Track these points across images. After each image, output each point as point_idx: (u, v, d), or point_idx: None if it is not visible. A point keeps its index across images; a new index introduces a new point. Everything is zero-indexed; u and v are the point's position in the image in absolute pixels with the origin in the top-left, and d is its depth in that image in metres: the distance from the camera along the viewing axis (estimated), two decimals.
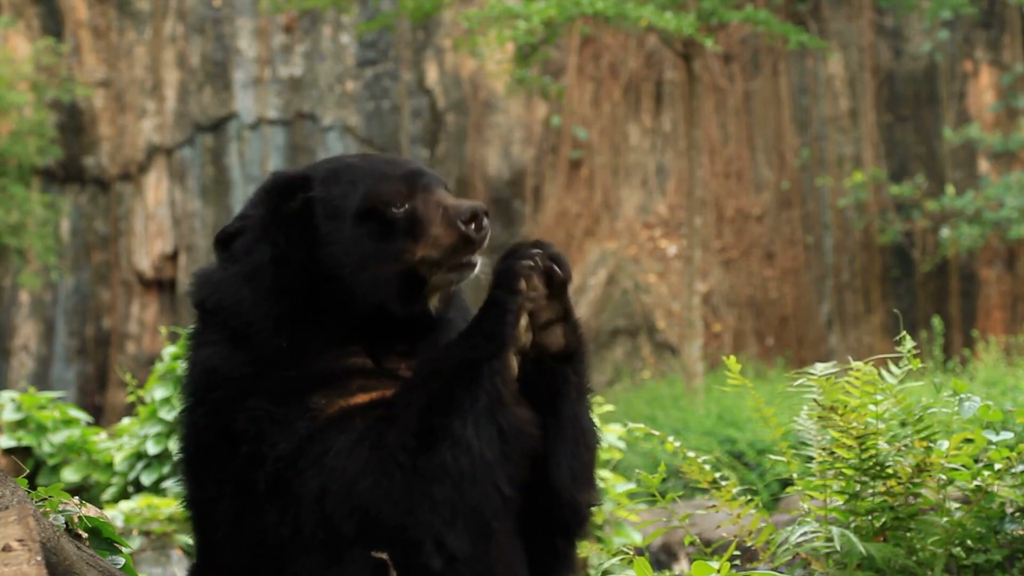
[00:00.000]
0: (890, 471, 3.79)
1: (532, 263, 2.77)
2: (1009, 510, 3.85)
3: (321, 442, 2.70)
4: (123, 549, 3.38)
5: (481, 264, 2.92)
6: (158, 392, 7.35)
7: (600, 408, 7.47)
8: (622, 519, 6.52)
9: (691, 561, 3.75)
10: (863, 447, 3.77)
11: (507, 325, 2.74)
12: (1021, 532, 3.84)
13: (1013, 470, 3.80)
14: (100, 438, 7.93)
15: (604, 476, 6.65)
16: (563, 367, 2.86)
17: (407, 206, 2.90)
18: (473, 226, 2.88)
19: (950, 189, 18.53)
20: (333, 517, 2.67)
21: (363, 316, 2.88)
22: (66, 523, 3.29)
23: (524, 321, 2.79)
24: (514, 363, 2.77)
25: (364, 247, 2.87)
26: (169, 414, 7.24)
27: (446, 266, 2.89)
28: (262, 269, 2.87)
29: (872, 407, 3.79)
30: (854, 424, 3.76)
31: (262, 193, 2.98)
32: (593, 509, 2.99)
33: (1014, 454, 3.78)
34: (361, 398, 2.78)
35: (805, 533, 3.81)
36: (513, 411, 2.74)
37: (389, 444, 2.66)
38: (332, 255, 2.87)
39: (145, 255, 19.95)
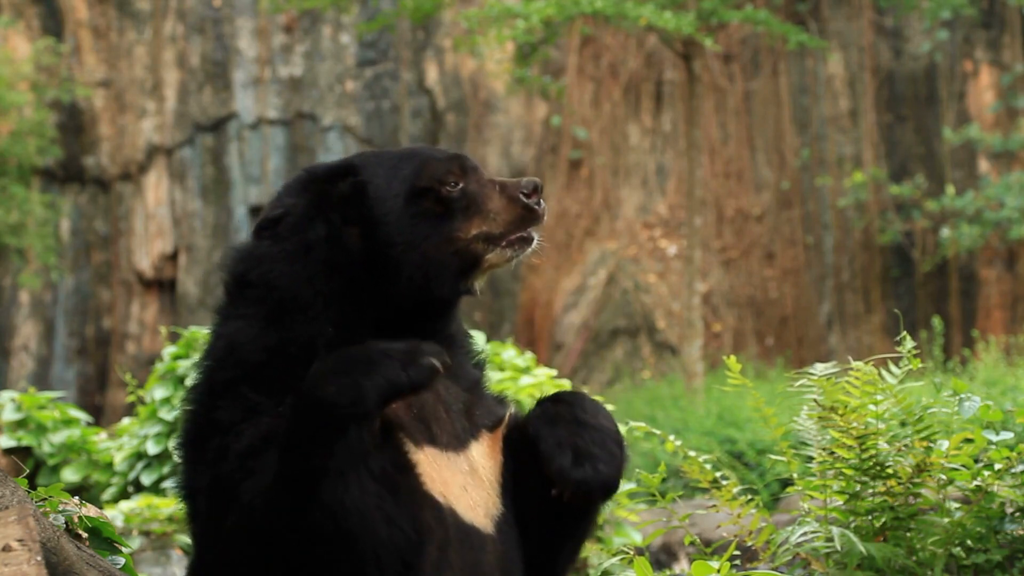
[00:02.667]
0: (890, 471, 3.79)
1: (420, 383, 2.67)
2: (1009, 510, 3.85)
3: (267, 448, 2.67)
4: (123, 549, 3.38)
5: (536, 242, 2.93)
6: (158, 392, 7.35)
7: None
8: (622, 519, 6.52)
9: (691, 561, 3.75)
10: (863, 447, 3.77)
11: (375, 400, 2.64)
12: (1021, 532, 3.84)
13: (1013, 470, 3.80)
14: (100, 438, 7.94)
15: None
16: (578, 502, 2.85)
17: (461, 184, 2.91)
18: (534, 199, 2.91)
19: (950, 189, 18.53)
20: (258, 536, 2.66)
21: (405, 301, 2.86)
22: (66, 523, 3.29)
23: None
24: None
25: (418, 226, 2.87)
26: (169, 414, 7.24)
27: (505, 241, 2.90)
28: (317, 245, 2.85)
29: (872, 407, 3.79)
30: (854, 424, 3.76)
31: (301, 183, 2.95)
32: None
33: (1014, 454, 3.78)
34: None
35: (805, 533, 3.81)
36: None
37: (295, 474, 2.63)
38: (386, 235, 2.86)
39: (145, 255, 19.95)
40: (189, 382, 2.96)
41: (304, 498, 2.60)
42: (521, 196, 2.91)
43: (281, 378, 2.78)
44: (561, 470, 2.75)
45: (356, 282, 2.86)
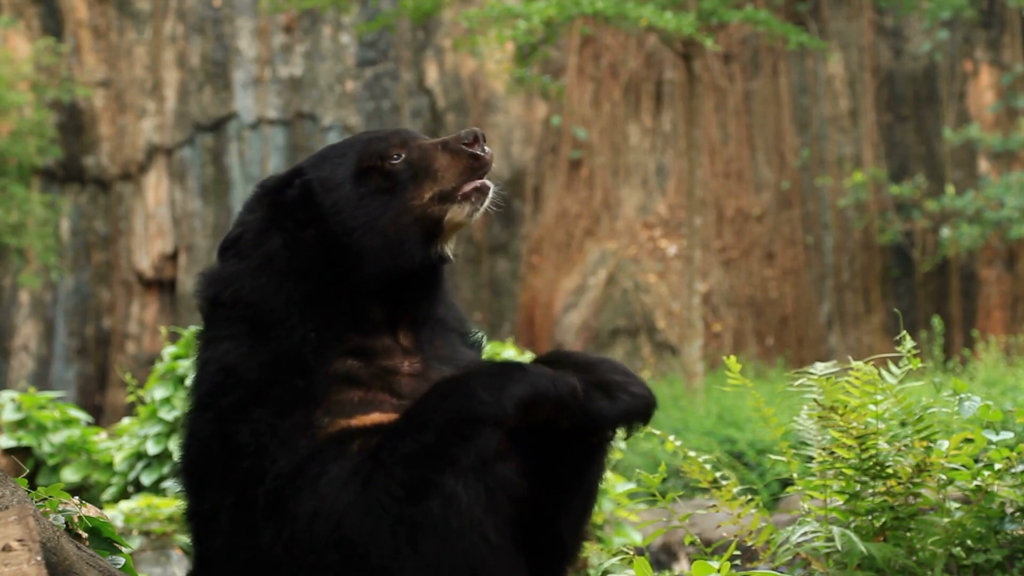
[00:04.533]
0: (890, 471, 3.79)
1: (564, 396, 2.70)
2: (1009, 510, 3.85)
3: (320, 463, 2.68)
4: (123, 549, 3.38)
5: (493, 191, 2.92)
6: (158, 392, 7.35)
7: None
8: (622, 519, 6.52)
9: (691, 561, 3.75)
10: (863, 447, 3.77)
11: (516, 402, 2.67)
12: (1021, 532, 3.84)
13: (1013, 470, 3.80)
14: (100, 438, 7.94)
15: (604, 476, 6.64)
16: (602, 438, 2.85)
17: (403, 155, 2.92)
18: (477, 147, 2.90)
19: (950, 189, 18.53)
20: (320, 544, 2.66)
21: (376, 284, 2.86)
22: (66, 523, 3.29)
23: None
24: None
25: (370, 205, 2.87)
26: (169, 414, 7.24)
27: (460, 194, 2.89)
28: (277, 255, 2.86)
29: (872, 407, 3.79)
30: (854, 424, 3.76)
31: (255, 199, 2.98)
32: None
33: (1014, 454, 3.78)
34: (360, 419, 2.76)
35: (805, 533, 3.81)
36: (501, 468, 2.72)
37: (379, 488, 2.63)
38: (340, 224, 2.86)
39: (145, 255, 19.95)
40: (184, 412, 2.95)
41: (410, 499, 2.62)
42: (463, 147, 2.90)
43: (284, 394, 2.77)
44: (600, 410, 2.75)
45: (325, 281, 2.86)
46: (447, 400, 2.67)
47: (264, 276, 2.85)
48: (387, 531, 2.62)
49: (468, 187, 2.90)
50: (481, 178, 2.91)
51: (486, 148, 2.92)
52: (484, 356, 3.10)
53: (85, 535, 3.33)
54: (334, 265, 2.86)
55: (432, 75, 20.09)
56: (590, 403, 2.75)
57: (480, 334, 3.11)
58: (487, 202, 2.92)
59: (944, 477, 3.79)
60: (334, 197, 2.88)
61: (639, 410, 2.78)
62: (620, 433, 2.83)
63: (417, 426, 2.67)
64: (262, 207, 2.94)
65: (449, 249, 2.94)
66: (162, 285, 20.09)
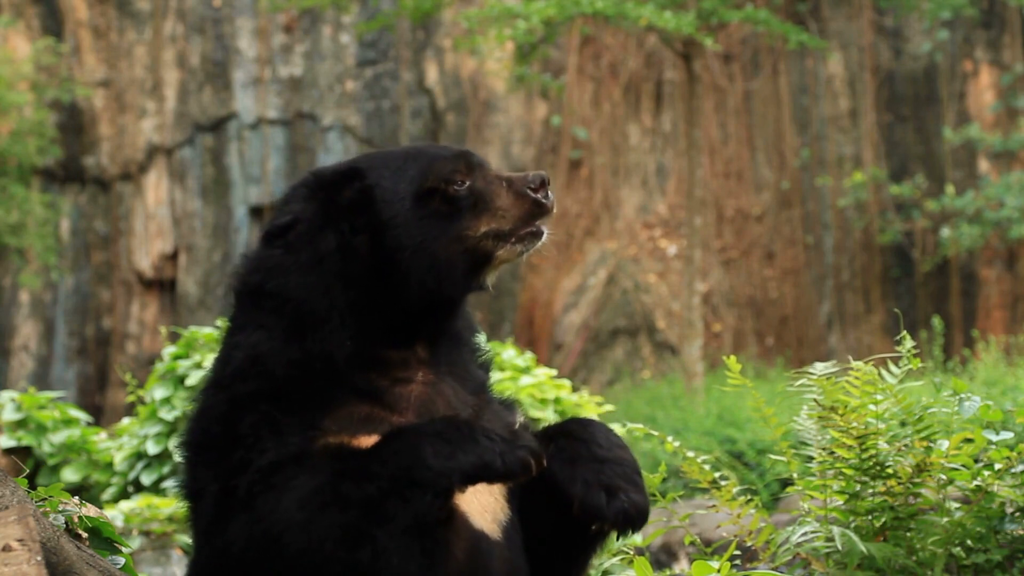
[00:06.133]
0: (890, 471, 3.79)
1: (513, 472, 2.71)
2: (1009, 510, 3.85)
3: (297, 468, 2.69)
4: (123, 549, 3.38)
5: (546, 236, 2.93)
6: (158, 392, 7.35)
7: (600, 408, 7.48)
8: None
9: (691, 561, 3.75)
10: (863, 447, 3.77)
11: (460, 475, 2.67)
12: (1021, 532, 3.84)
13: (1013, 470, 3.80)
14: (100, 438, 7.94)
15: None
16: (600, 529, 2.88)
17: (468, 183, 2.90)
18: (541, 193, 2.91)
19: (950, 189, 18.53)
20: (269, 550, 2.67)
21: (415, 304, 2.86)
22: (66, 523, 3.29)
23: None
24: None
25: (427, 227, 2.85)
26: (169, 414, 7.25)
27: (515, 236, 2.89)
28: (329, 257, 2.83)
29: (872, 407, 3.79)
30: (854, 424, 3.76)
31: (309, 188, 2.92)
32: None
33: (1014, 454, 3.78)
34: (354, 439, 2.77)
35: (805, 533, 3.81)
36: (450, 531, 2.75)
37: (325, 521, 2.65)
38: (395, 239, 2.84)
39: (145, 255, 19.95)
40: (200, 385, 2.96)
41: (345, 542, 2.63)
42: (529, 191, 2.90)
43: (304, 395, 2.78)
44: (599, 508, 2.79)
45: (369, 291, 2.85)
46: (397, 456, 2.67)
47: (313, 275, 2.82)
48: (321, 563, 2.65)
49: (524, 231, 2.90)
50: (540, 222, 2.92)
51: (550, 194, 2.92)
52: (490, 378, 3.11)
53: (85, 535, 3.33)
54: (383, 278, 2.85)
55: (432, 75, 20.09)
56: (588, 497, 2.79)
57: (488, 354, 3.12)
58: (538, 245, 2.93)
59: (944, 477, 3.79)
60: (394, 210, 2.86)
61: (631, 518, 2.82)
62: (612, 533, 2.88)
63: (366, 475, 2.67)
64: (316, 201, 2.89)
65: (490, 280, 2.95)
66: (162, 285, 20.10)
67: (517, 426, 2.98)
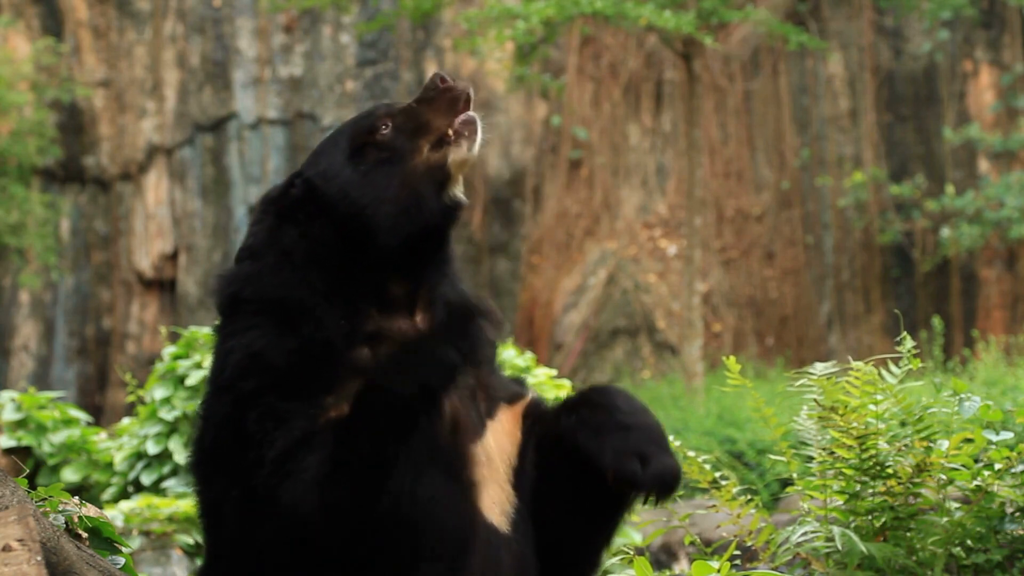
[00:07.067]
0: (890, 471, 3.79)
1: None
2: (1009, 510, 3.85)
3: (307, 450, 2.72)
4: (123, 549, 3.38)
5: (480, 120, 3.04)
6: (158, 392, 7.35)
7: None
8: None
9: (691, 561, 3.75)
10: (863, 447, 3.77)
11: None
12: (1021, 532, 3.84)
13: (1013, 470, 3.80)
14: (100, 438, 7.94)
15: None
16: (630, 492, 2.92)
17: (390, 123, 2.99)
18: (445, 84, 3.02)
19: (950, 189, 18.53)
20: (299, 537, 2.70)
21: (395, 254, 2.90)
22: (66, 523, 3.29)
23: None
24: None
25: (375, 178, 2.93)
26: (169, 414, 7.24)
27: (452, 132, 2.98)
28: (294, 248, 2.91)
29: (872, 407, 3.79)
30: (854, 424, 3.76)
31: (261, 210, 3.03)
32: None
33: (1014, 454, 3.78)
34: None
35: (805, 533, 3.81)
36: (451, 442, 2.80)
37: (338, 492, 2.69)
38: (350, 205, 2.90)
39: (145, 255, 19.95)
40: (201, 395, 2.98)
41: (370, 489, 2.66)
42: (437, 83, 3.02)
43: (308, 381, 2.80)
44: (634, 475, 2.81)
45: (344, 265, 2.90)
46: (375, 391, 2.76)
47: (285, 270, 2.89)
48: (351, 534, 2.68)
49: (456, 124, 2.99)
50: (465, 110, 3.01)
51: (456, 81, 3.02)
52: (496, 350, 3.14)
53: (85, 535, 3.33)
54: (350, 247, 2.90)
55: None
56: (622, 466, 2.82)
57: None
58: (479, 133, 3.03)
59: (944, 477, 3.79)
60: (338, 183, 2.93)
61: (667, 483, 2.85)
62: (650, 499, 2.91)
63: (356, 429, 2.74)
64: (269, 215, 2.98)
65: (459, 192, 3.00)
66: (162, 285, 20.09)
67: (528, 397, 3.03)
